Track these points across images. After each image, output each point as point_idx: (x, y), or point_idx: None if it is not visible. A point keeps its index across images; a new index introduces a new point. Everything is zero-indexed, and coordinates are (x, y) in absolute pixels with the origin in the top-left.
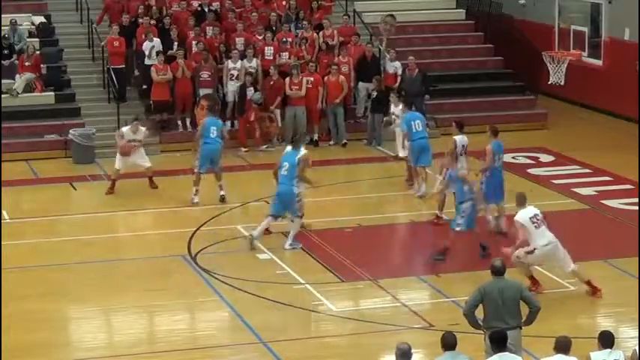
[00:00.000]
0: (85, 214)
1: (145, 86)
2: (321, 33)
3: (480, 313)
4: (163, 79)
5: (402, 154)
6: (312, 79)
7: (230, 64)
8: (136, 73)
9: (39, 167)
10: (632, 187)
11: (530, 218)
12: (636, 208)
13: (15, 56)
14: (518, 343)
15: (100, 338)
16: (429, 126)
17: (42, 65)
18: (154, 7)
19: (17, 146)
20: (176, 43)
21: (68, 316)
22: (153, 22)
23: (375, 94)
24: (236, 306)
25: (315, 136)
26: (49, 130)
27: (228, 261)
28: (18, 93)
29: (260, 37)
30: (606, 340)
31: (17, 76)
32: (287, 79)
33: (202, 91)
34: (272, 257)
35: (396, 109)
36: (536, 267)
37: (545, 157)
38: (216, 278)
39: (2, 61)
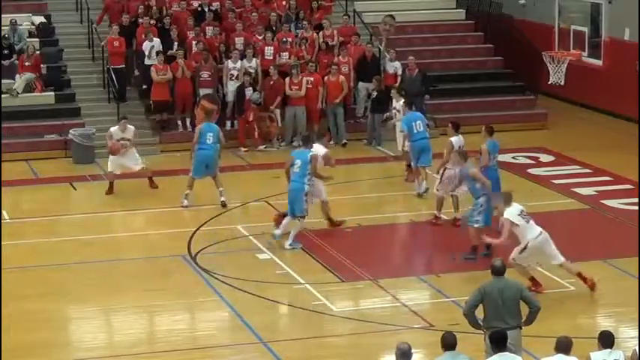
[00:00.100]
0: (84, 214)
1: (144, 86)
2: (321, 33)
3: (480, 313)
4: (163, 79)
5: (400, 148)
6: (312, 79)
7: (230, 64)
8: (136, 73)
9: (39, 167)
10: (632, 187)
11: (519, 215)
12: (636, 208)
13: (15, 56)
14: (519, 343)
15: (100, 338)
16: (429, 126)
17: (42, 65)
18: (154, 7)
19: (17, 146)
20: (176, 43)
21: (68, 316)
22: (153, 22)
23: (375, 94)
24: (236, 306)
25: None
26: (49, 130)
27: (228, 261)
28: (18, 93)
29: (260, 37)
30: (606, 340)
31: (17, 76)
32: (287, 79)
33: (202, 91)
34: (272, 257)
35: (398, 104)
36: (537, 267)
37: (545, 157)
38: (216, 278)
39: (2, 61)
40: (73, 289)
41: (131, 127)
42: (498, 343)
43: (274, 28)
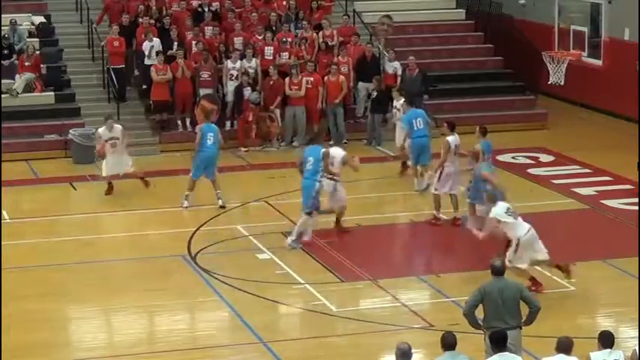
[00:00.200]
0: (84, 214)
1: (144, 86)
2: (320, 33)
3: (479, 313)
4: (163, 79)
5: (399, 144)
6: (311, 79)
7: (230, 64)
8: (136, 73)
9: (39, 167)
10: (632, 187)
11: (505, 212)
12: (636, 208)
13: (15, 56)
14: (519, 343)
15: (100, 338)
16: (430, 124)
17: (42, 65)
18: (154, 7)
19: (17, 146)
20: (176, 43)
21: (68, 316)
22: (152, 22)
23: (375, 94)
24: (236, 306)
25: None
26: (49, 130)
27: (228, 261)
28: (18, 93)
29: (260, 37)
30: (606, 340)
31: (17, 76)
32: (287, 79)
33: (202, 91)
34: (272, 257)
35: (398, 103)
36: (536, 267)
37: (545, 157)
38: (216, 278)
39: (2, 61)
40: (73, 289)
41: (118, 126)
42: (498, 343)
43: (274, 28)
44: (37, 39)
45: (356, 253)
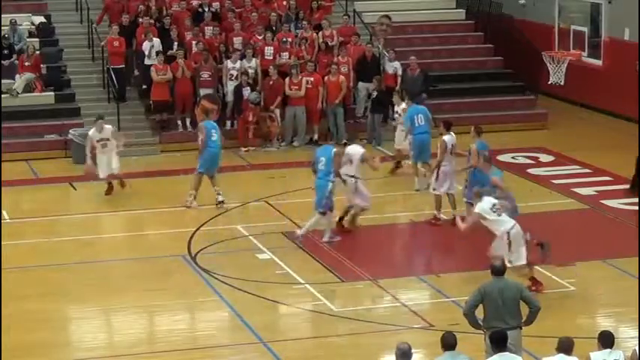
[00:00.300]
0: (84, 214)
1: (144, 86)
2: (320, 33)
3: (480, 313)
4: (163, 79)
5: (397, 146)
6: (311, 79)
7: (229, 64)
8: (136, 73)
9: (39, 167)
10: None
11: (490, 208)
12: (636, 208)
13: (15, 56)
14: (519, 343)
15: (100, 338)
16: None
17: (42, 65)
18: (154, 7)
19: (17, 146)
20: (176, 43)
21: (68, 316)
22: (152, 22)
23: (375, 94)
24: (236, 306)
25: (315, 136)
26: (49, 130)
27: (228, 261)
28: (18, 93)
29: (260, 37)
30: (606, 340)
31: (17, 76)
32: (287, 79)
33: (202, 91)
34: (272, 257)
35: (399, 107)
36: (536, 267)
37: (545, 157)
38: (216, 278)
39: (2, 61)
40: (73, 289)
41: (108, 127)
42: (498, 343)
43: (274, 28)
44: (37, 39)
45: (356, 253)
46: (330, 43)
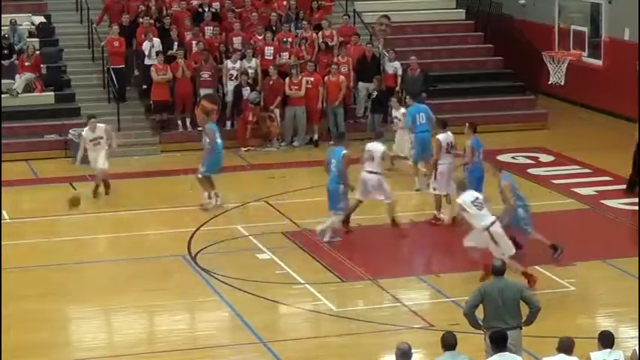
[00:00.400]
0: (84, 214)
1: (144, 86)
2: (320, 33)
3: (480, 313)
4: (163, 79)
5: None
6: (312, 79)
7: (230, 64)
8: (136, 73)
9: (39, 167)
10: None
11: (472, 202)
12: (636, 208)
13: (15, 56)
14: (519, 343)
15: (100, 338)
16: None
17: (42, 65)
18: (154, 7)
19: (17, 146)
20: (176, 43)
21: (68, 316)
22: (152, 22)
23: (375, 94)
24: (236, 306)
25: (315, 136)
26: (49, 130)
27: (228, 261)
28: (18, 93)
29: (260, 37)
30: (606, 340)
31: (17, 76)
32: (287, 79)
33: (203, 91)
34: (272, 257)
35: (398, 112)
36: (536, 267)
37: (545, 157)
38: (216, 278)
39: (2, 61)
40: (73, 289)
41: (101, 126)
42: (498, 343)
43: (274, 28)
44: (37, 39)
45: (356, 253)
46: (330, 43)
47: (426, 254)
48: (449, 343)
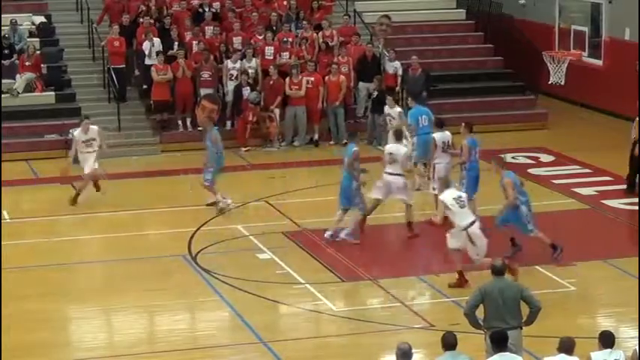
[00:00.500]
0: (84, 214)
1: (145, 86)
2: (320, 33)
3: (480, 313)
4: (164, 79)
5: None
6: (312, 79)
7: (230, 64)
8: (137, 73)
9: (39, 167)
10: None
11: (454, 199)
12: (636, 208)
13: (15, 56)
14: (519, 343)
15: (100, 338)
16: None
17: (42, 65)
18: (154, 7)
19: (17, 146)
20: (176, 43)
21: (68, 316)
22: (153, 22)
23: (375, 93)
24: (236, 306)
25: (316, 136)
26: (49, 130)
27: (228, 261)
28: (18, 93)
29: (260, 37)
30: (607, 340)
31: (17, 75)
32: (287, 79)
33: (203, 91)
34: (272, 257)
35: (392, 110)
36: (536, 267)
37: (545, 157)
38: (217, 278)
39: (2, 61)
40: (73, 289)
41: (94, 128)
42: (499, 343)
43: (275, 28)
44: (37, 39)
45: (356, 253)
46: (330, 43)
47: (426, 254)
48: (449, 343)
